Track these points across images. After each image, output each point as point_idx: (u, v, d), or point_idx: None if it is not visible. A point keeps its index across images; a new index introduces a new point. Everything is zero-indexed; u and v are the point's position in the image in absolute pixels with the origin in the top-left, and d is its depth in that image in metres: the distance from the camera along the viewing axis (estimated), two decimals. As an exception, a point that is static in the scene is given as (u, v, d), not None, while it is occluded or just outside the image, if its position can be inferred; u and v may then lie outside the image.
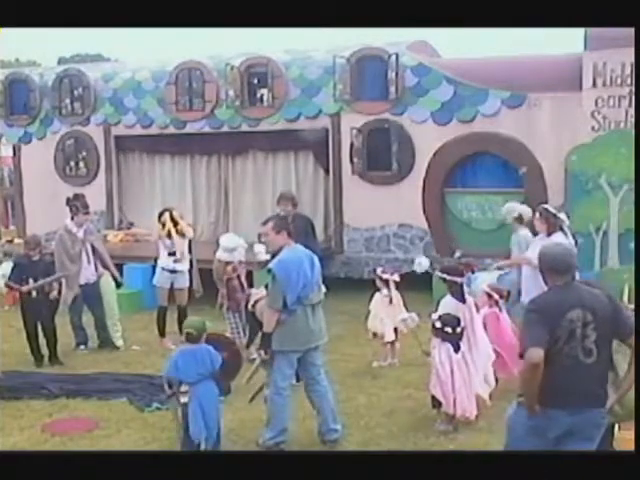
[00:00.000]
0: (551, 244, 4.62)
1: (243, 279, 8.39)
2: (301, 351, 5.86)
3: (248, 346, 7.85)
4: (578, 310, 4.05)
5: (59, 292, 8.45)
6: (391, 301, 7.91)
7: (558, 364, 4.02)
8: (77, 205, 8.80)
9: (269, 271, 5.77)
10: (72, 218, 8.82)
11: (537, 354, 3.95)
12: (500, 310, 7.00)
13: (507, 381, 6.65)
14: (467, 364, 6.19)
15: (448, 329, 6.16)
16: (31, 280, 8.21)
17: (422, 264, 9.07)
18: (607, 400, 4.13)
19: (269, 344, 5.78)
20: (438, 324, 6.20)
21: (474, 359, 6.27)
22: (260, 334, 6.08)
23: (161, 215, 8.97)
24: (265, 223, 5.98)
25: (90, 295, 8.87)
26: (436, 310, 6.42)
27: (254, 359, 6.54)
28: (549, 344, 4.00)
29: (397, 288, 8.03)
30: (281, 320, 5.73)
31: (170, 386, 5.71)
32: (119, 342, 9.00)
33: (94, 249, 8.91)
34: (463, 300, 6.40)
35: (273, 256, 6.06)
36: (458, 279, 6.47)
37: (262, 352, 5.88)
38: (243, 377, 6.46)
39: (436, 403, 6.23)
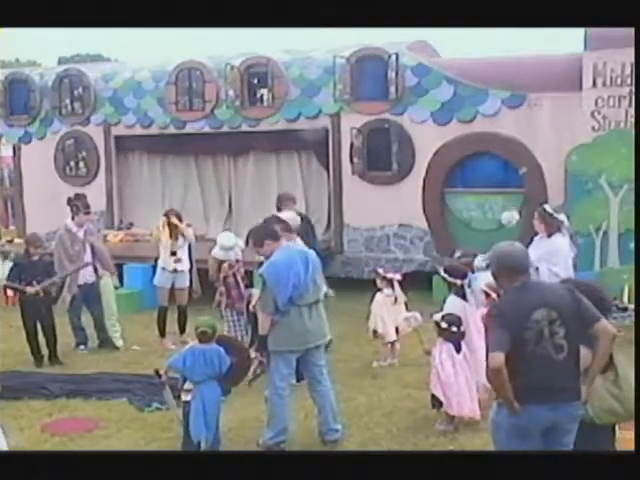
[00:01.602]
0: (502, 244, 4.42)
1: (239, 277, 8.38)
2: (299, 351, 5.86)
3: (250, 346, 7.85)
4: (542, 309, 4.04)
5: (60, 288, 8.46)
6: (396, 300, 7.93)
7: (531, 364, 4.02)
8: (78, 205, 8.80)
9: (260, 276, 5.80)
10: (73, 218, 8.82)
11: (497, 359, 3.95)
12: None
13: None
14: (469, 364, 6.19)
15: (454, 328, 6.17)
16: (35, 282, 8.19)
17: (514, 217, 8.87)
18: (581, 392, 4.12)
19: (265, 347, 5.79)
20: (444, 324, 6.20)
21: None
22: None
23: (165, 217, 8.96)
24: (247, 243, 5.97)
25: (89, 295, 8.87)
26: (441, 309, 6.42)
27: (254, 358, 6.54)
28: (519, 347, 3.99)
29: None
30: (274, 321, 5.74)
31: (163, 378, 5.73)
32: (119, 342, 8.99)
33: (94, 249, 8.91)
34: (465, 300, 6.42)
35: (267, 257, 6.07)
36: (459, 280, 6.47)
37: (259, 355, 5.89)
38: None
39: (436, 403, 6.22)
